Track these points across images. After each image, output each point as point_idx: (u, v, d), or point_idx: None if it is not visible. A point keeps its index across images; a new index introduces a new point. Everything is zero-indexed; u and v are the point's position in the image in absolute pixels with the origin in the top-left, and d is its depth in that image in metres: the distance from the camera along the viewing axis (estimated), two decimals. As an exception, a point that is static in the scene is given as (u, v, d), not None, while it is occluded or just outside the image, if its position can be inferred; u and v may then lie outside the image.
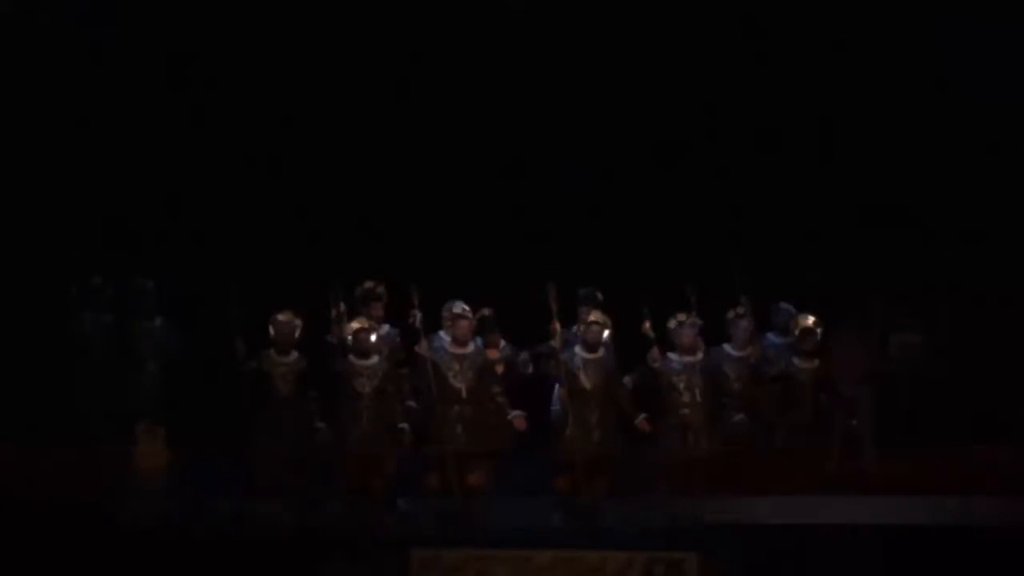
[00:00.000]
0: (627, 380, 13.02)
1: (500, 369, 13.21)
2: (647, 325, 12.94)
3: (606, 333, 12.99)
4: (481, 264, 15.73)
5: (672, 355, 13.00)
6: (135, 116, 16.28)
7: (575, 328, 13.32)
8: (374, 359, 13.02)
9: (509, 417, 12.99)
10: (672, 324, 13.03)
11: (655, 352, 12.95)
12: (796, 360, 13.07)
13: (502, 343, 13.37)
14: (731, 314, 13.38)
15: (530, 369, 13.40)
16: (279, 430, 13.04)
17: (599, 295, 13.59)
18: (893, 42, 15.85)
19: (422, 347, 12.98)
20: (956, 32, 15.66)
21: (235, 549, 12.26)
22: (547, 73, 16.23)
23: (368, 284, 13.47)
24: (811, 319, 13.11)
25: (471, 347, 13.03)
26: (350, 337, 12.97)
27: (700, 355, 13.05)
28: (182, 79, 16.28)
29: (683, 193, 16.17)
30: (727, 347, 13.29)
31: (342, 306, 13.25)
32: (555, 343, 13.05)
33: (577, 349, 13.00)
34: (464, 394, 12.92)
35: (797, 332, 13.08)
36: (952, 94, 15.74)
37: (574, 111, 16.23)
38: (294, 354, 13.19)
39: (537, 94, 16.27)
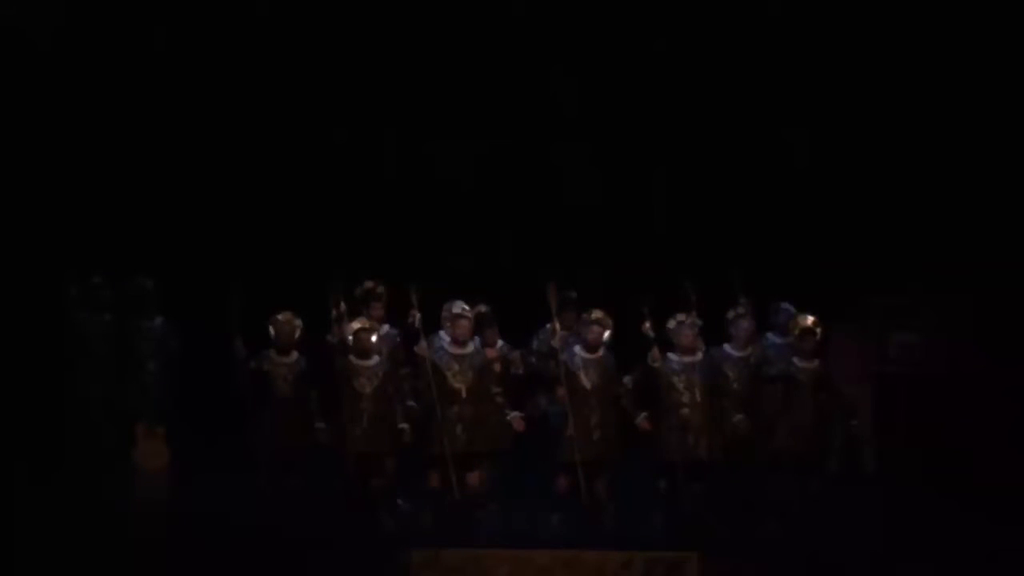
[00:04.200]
0: (627, 380, 13.01)
1: (498, 368, 13.20)
2: (647, 325, 12.93)
3: (606, 333, 12.99)
4: (481, 264, 15.75)
5: (672, 355, 12.99)
6: (135, 115, 16.29)
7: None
8: (374, 359, 13.01)
9: (508, 418, 12.99)
10: (672, 324, 13.02)
11: (655, 352, 12.94)
12: (796, 360, 13.05)
13: (499, 342, 13.37)
14: (731, 314, 13.37)
15: (521, 370, 13.39)
16: (279, 430, 13.04)
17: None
18: (891, 40, 15.86)
19: (422, 347, 12.97)
20: (955, 31, 15.69)
21: (235, 549, 12.26)
22: (546, 72, 16.24)
23: (368, 284, 13.46)
24: (811, 319, 13.09)
25: (471, 347, 13.02)
26: (350, 337, 12.97)
27: (700, 355, 13.04)
28: (182, 78, 16.29)
29: (683, 193, 16.18)
30: (727, 347, 13.28)
31: (342, 306, 13.24)
32: (555, 343, 13.04)
33: (577, 349, 12.99)
34: (464, 394, 12.92)
35: (797, 332, 13.06)
36: (952, 94, 15.74)
37: (575, 110, 16.25)
38: (294, 354, 13.18)
39: (536, 94, 16.28)
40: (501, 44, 16.24)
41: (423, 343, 12.97)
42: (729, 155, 16.19)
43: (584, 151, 16.29)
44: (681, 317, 13.02)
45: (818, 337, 13.05)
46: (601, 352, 12.98)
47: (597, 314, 13.02)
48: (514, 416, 13.00)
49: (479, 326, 13.20)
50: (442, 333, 13.07)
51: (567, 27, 16.14)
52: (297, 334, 13.21)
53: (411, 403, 13.14)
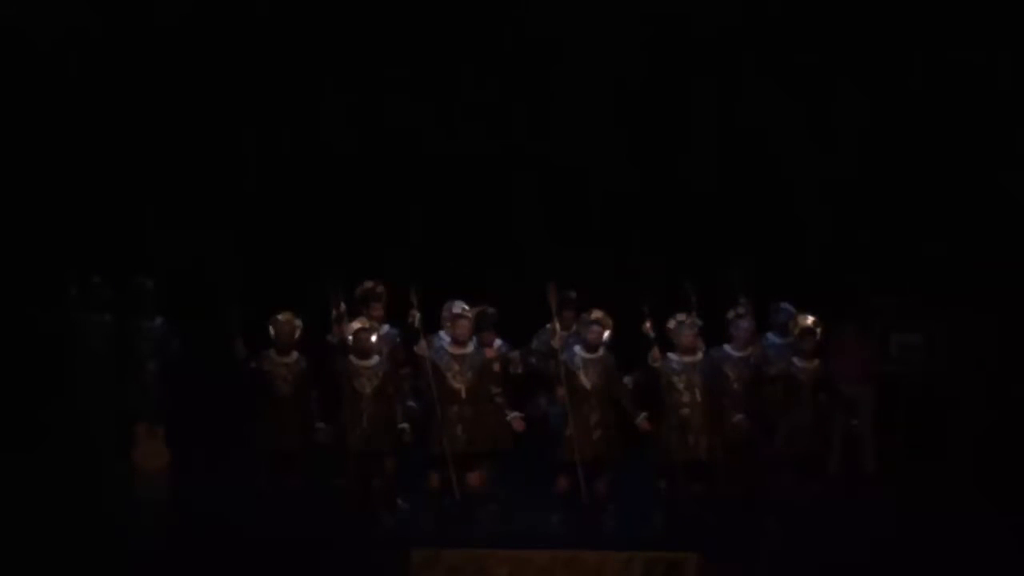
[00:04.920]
0: (627, 380, 13.00)
1: (497, 368, 13.20)
2: (647, 325, 12.93)
3: (606, 333, 12.99)
4: (481, 264, 15.75)
5: (672, 355, 12.98)
6: (135, 115, 16.30)
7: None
8: (374, 359, 13.01)
9: (508, 418, 12.98)
10: (672, 324, 13.02)
11: (655, 352, 12.93)
12: (796, 360, 13.04)
13: (497, 342, 13.35)
14: (731, 314, 13.37)
15: (520, 369, 13.39)
16: (279, 430, 13.03)
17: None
18: (891, 42, 15.86)
19: (422, 347, 12.97)
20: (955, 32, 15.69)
21: (235, 549, 12.26)
22: (546, 72, 16.25)
23: (368, 284, 13.46)
24: (811, 319, 13.09)
25: (470, 347, 13.02)
26: (350, 337, 12.97)
27: (700, 355, 13.03)
28: (183, 78, 16.30)
29: (683, 193, 16.18)
30: (727, 347, 13.28)
31: (342, 306, 13.24)
32: (555, 343, 13.04)
33: (577, 349, 12.99)
34: (463, 394, 12.91)
35: (797, 332, 13.06)
36: (950, 94, 15.74)
37: (572, 110, 16.25)
38: (294, 354, 13.18)
39: (536, 94, 16.28)
40: (497, 44, 16.25)
41: (423, 343, 12.97)
42: (729, 155, 16.19)
43: (584, 151, 16.29)
44: (681, 317, 13.02)
45: (818, 337, 13.05)
46: (601, 352, 12.98)
47: (597, 314, 13.02)
48: (514, 416, 13.00)
49: (477, 326, 13.18)
50: (442, 333, 13.07)
51: (564, 24, 16.13)
52: (297, 334, 13.20)
53: (411, 403, 13.14)
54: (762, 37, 16.02)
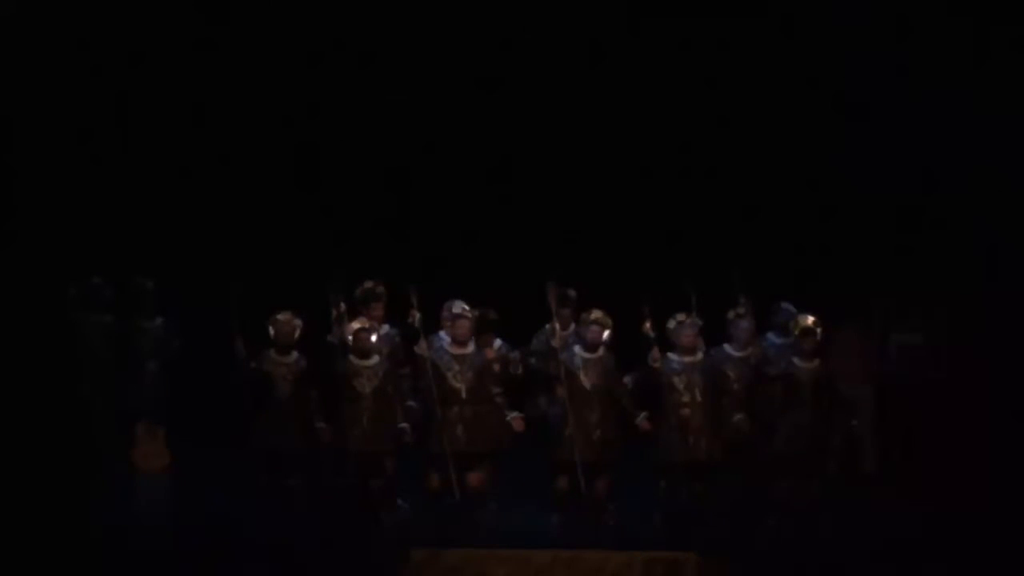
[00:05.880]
0: (627, 380, 13.01)
1: (497, 368, 13.20)
2: (647, 325, 12.93)
3: (606, 333, 12.99)
4: (481, 264, 15.75)
5: (672, 355, 12.99)
6: (135, 115, 16.29)
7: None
8: (374, 359, 13.01)
9: (508, 418, 12.98)
10: (672, 324, 13.02)
11: (655, 352, 12.94)
12: (796, 360, 13.05)
13: (497, 342, 13.34)
14: (731, 314, 13.37)
15: (520, 370, 13.39)
16: (279, 430, 13.04)
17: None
18: (889, 40, 15.87)
19: (422, 347, 12.97)
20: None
21: (235, 549, 12.26)
22: (547, 72, 16.25)
23: (368, 284, 13.47)
24: (811, 319, 13.09)
25: (471, 347, 13.02)
26: (350, 337, 12.97)
27: (700, 355, 13.04)
28: (181, 78, 16.29)
29: (683, 193, 16.18)
30: (727, 347, 13.28)
31: (342, 306, 13.25)
32: (555, 343, 13.04)
33: (577, 349, 12.99)
34: (464, 394, 12.91)
35: (797, 332, 13.06)
36: (950, 92, 15.75)
37: (574, 110, 16.25)
38: (294, 354, 13.19)
39: (538, 94, 16.29)
40: (499, 45, 16.24)
41: (423, 343, 12.97)
42: (729, 154, 16.19)
43: (584, 150, 16.29)
44: (681, 317, 13.02)
45: (818, 337, 13.05)
46: (601, 352, 12.98)
47: (597, 314, 13.02)
48: (514, 416, 13.00)
49: (477, 329, 13.17)
50: (442, 333, 13.07)
51: (565, 28, 16.14)
52: (297, 334, 13.21)
53: (411, 403, 13.14)
54: (762, 36, 16.03)
